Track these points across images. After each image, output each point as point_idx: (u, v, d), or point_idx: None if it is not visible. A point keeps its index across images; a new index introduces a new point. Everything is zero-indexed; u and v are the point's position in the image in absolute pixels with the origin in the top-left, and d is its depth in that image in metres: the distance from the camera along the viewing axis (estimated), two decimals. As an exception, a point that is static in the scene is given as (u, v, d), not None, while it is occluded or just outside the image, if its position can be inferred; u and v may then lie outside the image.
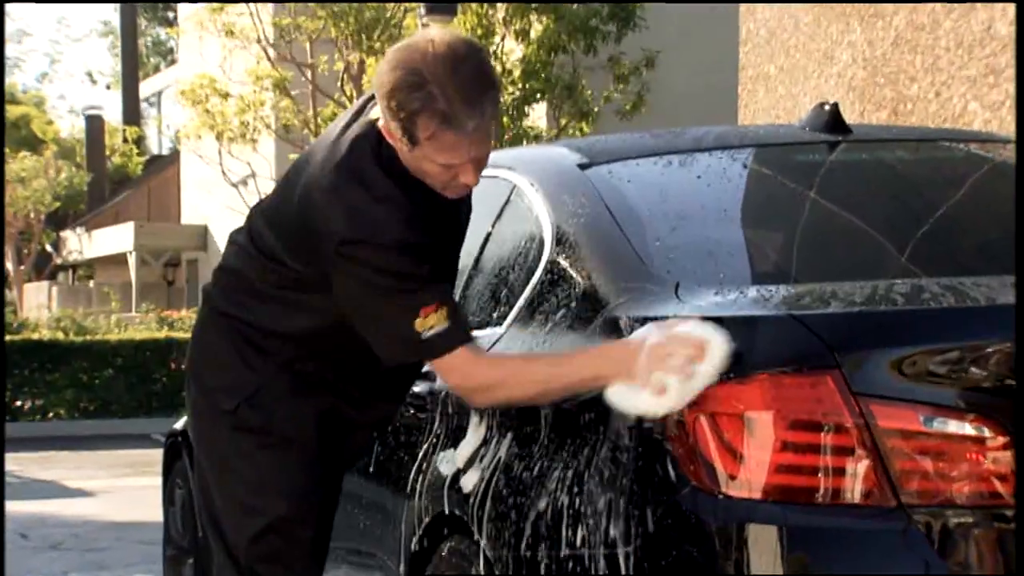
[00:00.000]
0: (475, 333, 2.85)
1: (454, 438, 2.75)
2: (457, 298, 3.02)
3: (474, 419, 2.68)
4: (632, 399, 2.16)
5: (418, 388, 2.94)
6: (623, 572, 2.18)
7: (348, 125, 2.44)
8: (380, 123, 2.33)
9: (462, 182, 2.34)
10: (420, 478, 2.83)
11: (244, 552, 2.53)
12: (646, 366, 2.14)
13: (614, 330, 2.35)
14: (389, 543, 2.99)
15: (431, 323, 2.32)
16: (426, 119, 2.26)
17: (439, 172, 2.34)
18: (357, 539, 3.22)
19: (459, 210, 2.53)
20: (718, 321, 2.18)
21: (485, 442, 2.62)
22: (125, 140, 30.79)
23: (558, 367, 2.32)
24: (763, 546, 2.04)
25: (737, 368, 2.09)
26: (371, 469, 3.11)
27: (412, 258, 2.32)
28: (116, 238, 26.00)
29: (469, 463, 2.63)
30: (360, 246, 2.31)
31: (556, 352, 2.41)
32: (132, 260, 25.13)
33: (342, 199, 2.33)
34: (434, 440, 2.84)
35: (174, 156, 29.38)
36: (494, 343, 2.75)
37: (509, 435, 2.55)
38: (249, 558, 2.53)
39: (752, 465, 2.07)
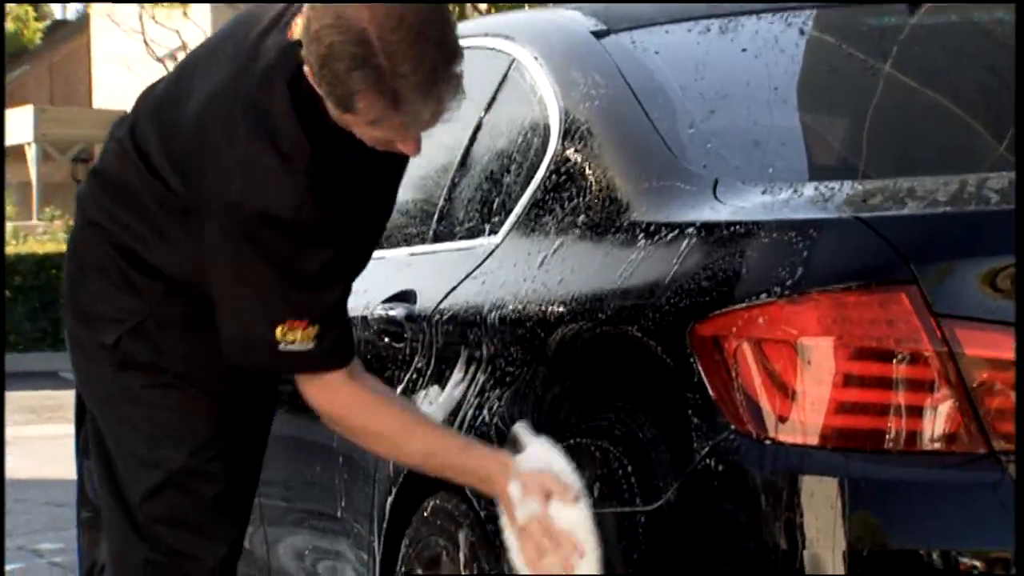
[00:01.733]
0: (467, 243, 2.89)
1: (439, 373, 2.79)
2: (441, 204, 3.05)
3: (464, 351, 2.71)
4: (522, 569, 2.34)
5: (393, 312, 2.97)
6: (646, 535, 2.22)
7: (270, 25, 2.38)
8: (304, 57, 2.25)
9: (400, 150, 2.32)
10: None
11: (142, 512, 2.58)
12: (524, 546, 2.31)
13: (635, 241, 2.38)
14: (358, 503, 3.04)
15: (294, 337, 2.33)
16: (371, 101, 2.19)
17: (373, 140, 2.31)
18: (319, 498, 3.27)
19: (394, 159, 2.47)
20: (767, 227, 2.20)
21: (479, 379, 2.65)
22: None
23: (435, 457, 2.42)
24: (820, 503, 2.06)
25: (790, 284, 2.11)
26: None
27: (304, 245, 2.30)
28: (10, 126, 25.92)
29: (458, 403, 2.67)
30: (247, 211, 2.30)
31: (437, 433, 2.47)
32: (32, 154, 25.08)
33: (238, 147, 2.31)
34: (414, 376, 2.88)
35: (83, 23, 29.17)
36: (489, 254, 2.78)
37: (509, 372, 2.58)
38: (147, 518, 2.58)
39: (807, 404, 2.09)
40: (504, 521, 2.36)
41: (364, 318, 3.08)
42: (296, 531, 3.50)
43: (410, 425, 2.44)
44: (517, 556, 2.34)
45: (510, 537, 2.35)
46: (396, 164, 2.50)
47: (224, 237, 2.35)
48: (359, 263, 2.52)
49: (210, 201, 2.36)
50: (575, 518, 2.28)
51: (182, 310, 2.52)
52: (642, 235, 2.38)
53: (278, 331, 2.33)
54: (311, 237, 2.32)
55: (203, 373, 2.55)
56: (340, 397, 2.42)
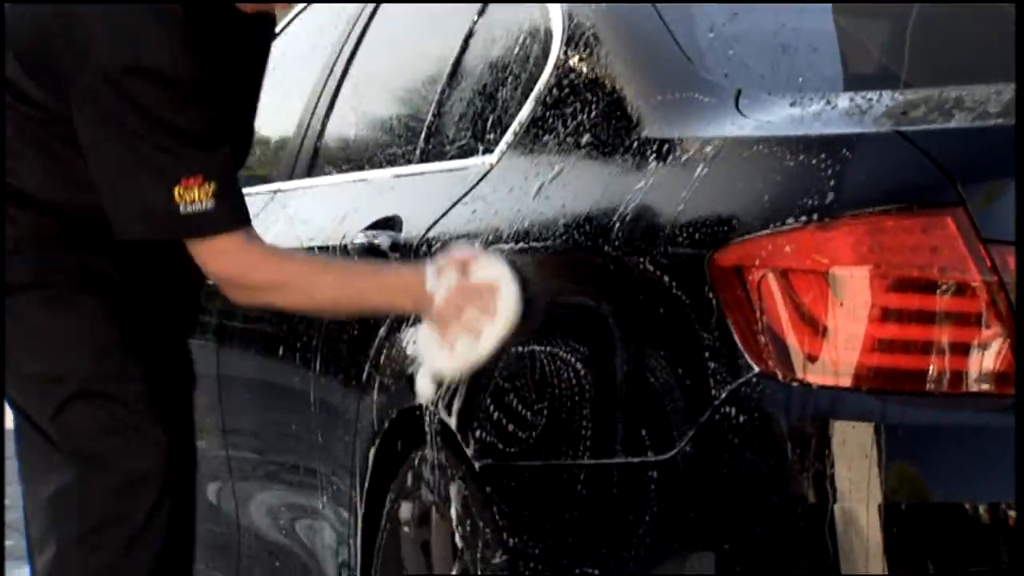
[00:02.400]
0: (458, 164, 2.89)
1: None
2: (429, 120, 3.03)
3: None
4: (430, 355, 2.53)
5: (376, 240, 2.96)
6: (658, 490, 2.22)
7: None
8: None
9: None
10: (380, 363, 2.86)
11: (56, 429, 2.64)
12: (442, 316, 2.48)
13: (646, 161, 2.38)
14: (338, 454, 3.05)
15: (193, 197, 2.48)
16: None
17: None
18: (293, 449, 3.29)
19: (257, 51, 2.68)
20: (796, 143, 2.19)
21: None
22: None
23: (350, 286, 2.62)
24: (853, 451, 2.05)
25: (821, 207, 2.10)
26: (308, 351, 3.16)
27: (185, 100, 2.45)
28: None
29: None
30: (122, 73, 2.43)
31: (348, 264, 2.76)
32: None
33: (107, 6, 2.46)
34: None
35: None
36: (482, 177, 2.77)
37: None
38: (64, 436, 2.63)
39: (840, 341, 2.09)
40: (424, 330, 2.53)
41: (343, 247, 3.08)
42: (268, 486, 3.51)
43: (317, 266, 2.70)
44: (426, 333, 2.52)
45: (427, 337, 2.52)
46: (255, 50, 2.66)
47: (95, 111, 2.47)
48: (240, 149, 2.68)
49: (80, 72, 2.46)
50: (496, 271, 2.45)
51: (57, 230, 2.63)
52: (654, 155, 2.37)
53: (176, 193, 2.46)
54: (192, 94, 2.46)
55: (91, 282, 2.64)
56: (241, 255, 2.56)
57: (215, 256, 2.55)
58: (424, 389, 2.53)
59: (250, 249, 2.56)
